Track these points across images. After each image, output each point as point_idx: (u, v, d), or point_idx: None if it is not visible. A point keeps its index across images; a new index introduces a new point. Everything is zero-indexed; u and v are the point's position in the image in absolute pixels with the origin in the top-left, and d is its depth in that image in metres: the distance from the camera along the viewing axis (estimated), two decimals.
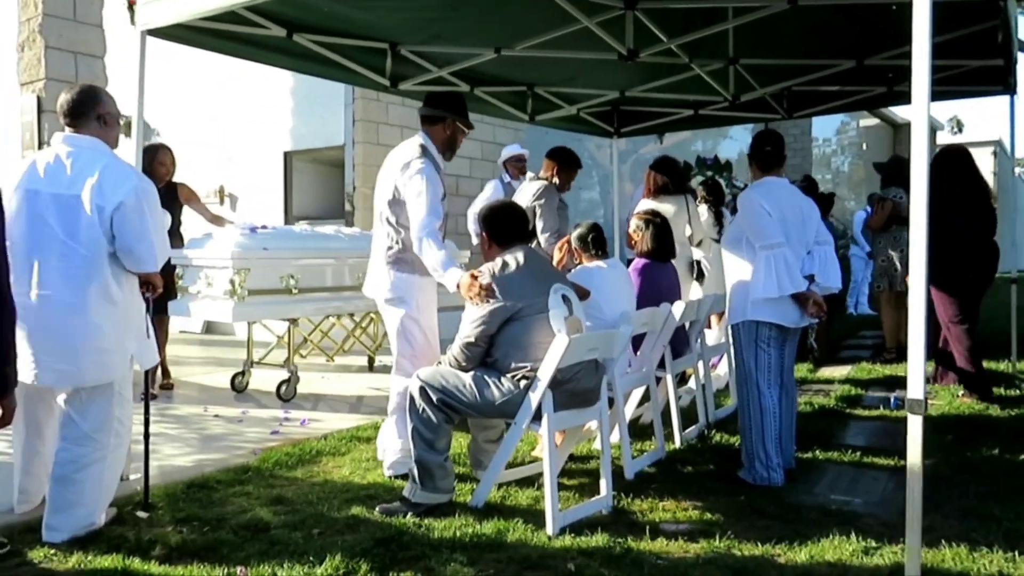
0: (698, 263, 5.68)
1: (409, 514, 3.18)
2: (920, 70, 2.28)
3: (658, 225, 4.68)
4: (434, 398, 3.22)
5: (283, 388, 5.49)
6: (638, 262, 4.63)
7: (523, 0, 4.13)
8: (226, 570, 2.69)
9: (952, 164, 5.42)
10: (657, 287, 4.47)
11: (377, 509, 3.27)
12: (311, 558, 2.75)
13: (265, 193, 8.94)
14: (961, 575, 2.63)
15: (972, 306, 5.30)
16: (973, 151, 5.84)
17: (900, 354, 6.68)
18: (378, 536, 2.97)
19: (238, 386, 5.77)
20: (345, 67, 4.81)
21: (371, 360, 6.81)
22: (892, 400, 5.29)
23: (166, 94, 9.06)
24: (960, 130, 29.30)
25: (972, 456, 3.96)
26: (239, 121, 9.06)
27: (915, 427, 2.20)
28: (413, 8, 4.44)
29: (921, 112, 2.32)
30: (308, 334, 6.21)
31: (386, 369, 6.81)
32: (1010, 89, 5.96)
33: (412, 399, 3.27)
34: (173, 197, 5.55)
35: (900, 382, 5.88)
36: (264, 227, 5.55)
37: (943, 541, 2.84)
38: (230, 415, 5.10)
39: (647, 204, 5.42)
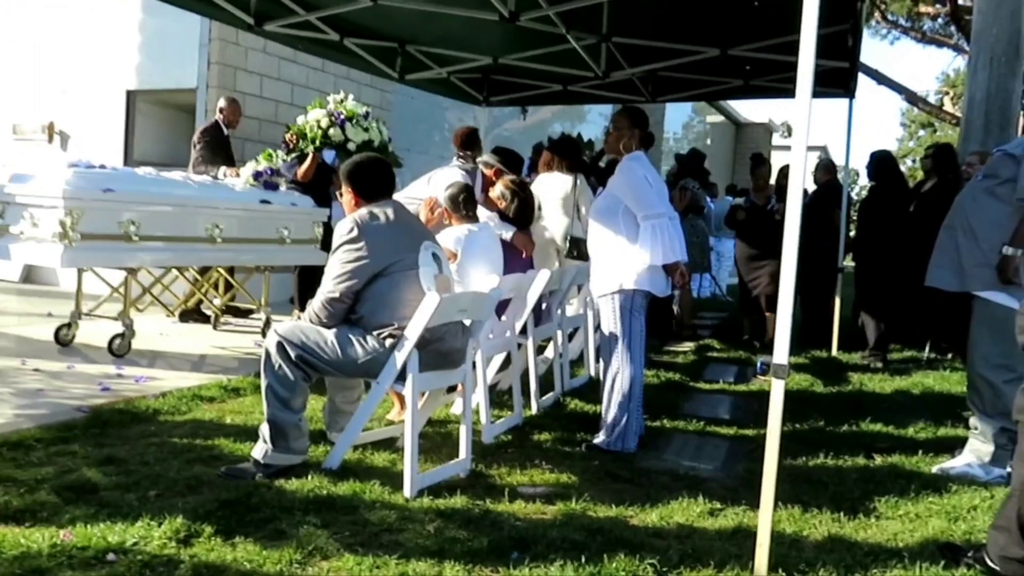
0: (582, 241, 5.68)
1: (258, 475, 3.01)
2: (805, 63, 2.32)
3: (523, 198, 4.70)
4: (292, 354, 3.05)
5: (116, 343, 5.04)
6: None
7: None
8: (48, 533, 2.42)
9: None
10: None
11: (222, 470, 3.07)
12: (148, 521, 2.53)
13: (103, 134, 8.16)
14: (796, 534, 2.81)
15: None
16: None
17: (692, 333, 7.32)
18: (223, 498, 2.78)
19: (63, 339, 5.24)
20: None
21: (216, 317, 6.42)
22: (759, 365, 5.71)
23: None
24: (790, 134, 31.45)
25: (800, 427, 4.25)
26: (76, 51, 8.20)
27: (778, 390, 2.32)
28: None
29: (804, 104, 2.37)
30: (148, 287, 5.75)
31: (231, 327, 6.47)
32: (850, 92, 6.43)
33: (268, 355, 3.08)
34: None
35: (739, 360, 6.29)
36: (103, 166, 5.05)
37: (779, 503, 3.02)
38: (53, 369, 4.63)
39: (544, 178, 5.39)
